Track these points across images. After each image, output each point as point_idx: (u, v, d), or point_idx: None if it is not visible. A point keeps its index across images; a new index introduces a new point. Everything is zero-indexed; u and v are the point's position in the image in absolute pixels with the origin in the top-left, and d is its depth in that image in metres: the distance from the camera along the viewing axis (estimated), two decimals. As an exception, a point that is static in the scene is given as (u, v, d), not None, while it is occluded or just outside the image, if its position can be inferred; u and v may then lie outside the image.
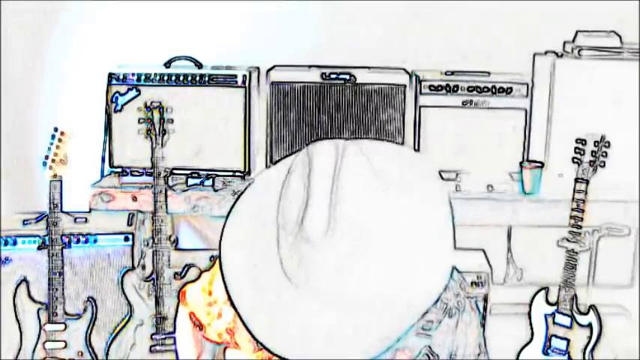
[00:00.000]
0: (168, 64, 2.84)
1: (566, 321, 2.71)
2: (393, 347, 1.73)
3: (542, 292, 2.75)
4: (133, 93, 2.80)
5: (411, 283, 1.69)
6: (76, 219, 2.78)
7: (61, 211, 2.73)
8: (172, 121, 2.78)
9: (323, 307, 1.69)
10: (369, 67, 2.83)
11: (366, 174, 1.71)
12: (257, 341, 1.72)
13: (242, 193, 1.85)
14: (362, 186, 1.70)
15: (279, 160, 1.86)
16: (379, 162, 1.75)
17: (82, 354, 2.76)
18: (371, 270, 1.68)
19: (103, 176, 2.87)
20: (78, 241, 2.76)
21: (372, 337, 1.69)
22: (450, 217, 1.75)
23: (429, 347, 1.79)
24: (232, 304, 1.75)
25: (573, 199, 2.69)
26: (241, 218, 1.81)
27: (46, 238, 2.73)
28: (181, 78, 2.81)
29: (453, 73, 2.83)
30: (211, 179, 2.82)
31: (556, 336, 2.72)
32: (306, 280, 1.68)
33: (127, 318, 2.78)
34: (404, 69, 2.83)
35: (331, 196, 1.68)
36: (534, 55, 2.79)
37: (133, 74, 2.81)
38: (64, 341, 2.75)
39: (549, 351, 2.72)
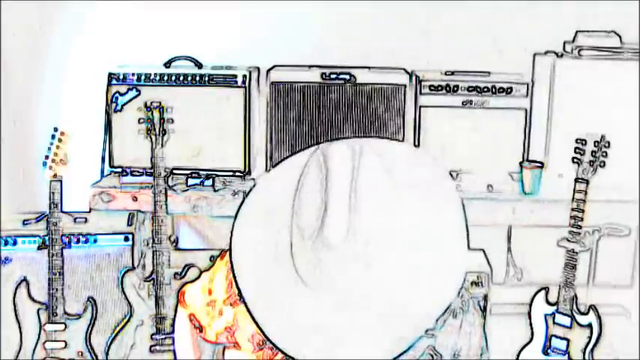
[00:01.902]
0: (168, 64, 2.84)
1: (566, 321, 2.71)
2: (411, 349, 1.73)
3: (542, 292, 2.75)
4: (133, 93, 2.80)
5: (428, 284, 1.69)
6: (76, 219, 2.78)
7: (61, 211, 2.73)
8: (172, 121, 2.78)
9: (341, 309, 1.69)
10: (369, 67, 2.83)
11: (380, 175, 1.71)
12: (271, 342, 1.72)
13: (248, 194, 1.85)
14: (378, 188, 1.69)
15: (280, 162, 1.86)
16: (389, 161, 1.75)
17: (82, 354, 2.76)
18: (389, 271, 1.68)
19: (103, 176, 2.87)
20: (78, 241, 2.76)
21: (390, 339, 1.69)
22: (463, 216, 1.75)
23: (433, 347, 1.79)
24: (245, 306, 1.75)
25: (573, 199, 2.69)
26: (250, 219, 1.81)
27: (46, 238, 2.73)
28: (181, 78, 2.81)
29: (453, 73, 2.83)
30: (211, 179, 2.82)
31: (556, 336, 2.72)
32: (323, 283, 1.68)
33: (127, 318, 2.78)
34: (404, 69, 2.83)
35: (350, 200, 1.68)
36: (534, 55, 2.79)
37: (133, 74, 2.81)
38: (64, 341, 2.75)
39: (549, 351, 2.72)
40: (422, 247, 1.70)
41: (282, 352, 1.72)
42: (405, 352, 1.70)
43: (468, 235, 1.75)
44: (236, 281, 1.77)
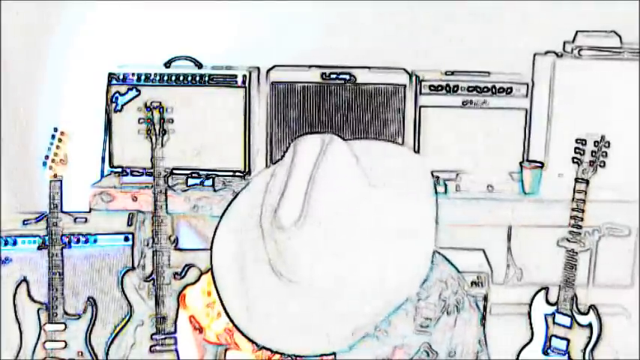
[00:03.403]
0: (168, 64, 2.84)
1: (566, 321, 2.71)
2: (369, 336, 1.74)
3: (542, 292, 2.75)
4: (133, 93, 2.80)
5: (388, 274, 1.70)
6: (76, 219, 2.78)
7: (61, 211, 2.73)
8: (172, 121, 2.78)
9: (299, 296, 1.70)
10: (369, 67, 2.83)
11: (347, 168, 1.72)
12: (240, 331, 1.74)
13: (236, 196, 1.86)
14: (341, 179, 1.70)
15: (278, 160, 1.87)
16: (367, 159, 1.76)
17: (82, 354, 2.76)
18: (345, 260, 1.68)
19: (103, 176, 2.87)
20: (78, 241, 2.76)
21: (349, 326, 1.70)
22: (432, 216, 1.76)
23: (428, 344, 1.79)
24: (220, 299, 1.76)
25: (573, 199, 2.69)
26: (232, 219, 1.83)
27: (46, 238, 2.73)
28: (181, 78, 2.81)
29: (453, 73, 2.83)
30: (211, 179, 2.82)
31: (556, 336, 2.72)
32: (283, 268, 1.69)
33: (127, 318, 2.78)
34: (404, 69, 2.83)
35: (308, 186, 1.68)
36: (534, 55, 2.79)
37: (133, 74, 2.81)
38: (64, 341, 2.75)
39: (549, 351, 2.72)
40: (383, 238, 1.71)
41: (247, 338, 1.73)
42: (364, 337, 1.72)
43: (437, 227, 1.76)
44: (213, 277, 1.78)
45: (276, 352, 1.75)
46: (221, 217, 1.84)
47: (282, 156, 1.85)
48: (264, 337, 1.72)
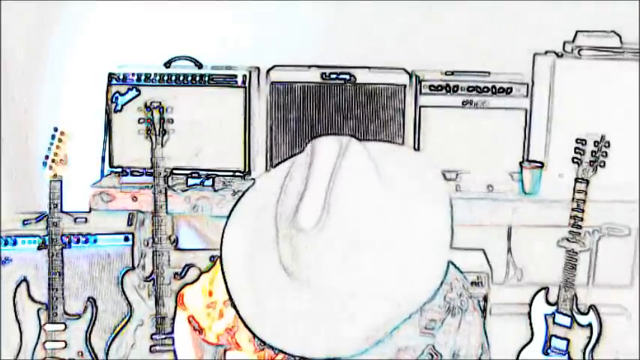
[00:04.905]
0: (168, 64, 2.84)
1: (566, 321, 2.71)
2: (384, 341, 1.73)
3: (542, 292, 2.75)
4: (133, 93, 2.80)
5: (404, 280, 1.70)
6: (76, 219, 2.78)
7: (61, 211, 2.73)
8: (172, 121, 2.78)
9: (314, 298, 1.70)
10: (369, 67, 2.83)
11: (366, 171, 1.71)
12: (251, 332, 1.73)
13: (243, 195, 1.86)
14: (360, 182, 1.70)
15: (280, 162, 1.87)
16: (383, 162, 1.76)
17: (82, 354, 2.76)
18: (363, 264, 1.68)
19: (103, 176, 2.87)
20: (78, 241, 2.76)
21: (362, 330, 1.70)
22: (448, 218, 1.75)
23: (433, 346, 1.79)
24: (230, 298, 1.76)
25: (573, 199, 2.69)
26: (242, 218, 1.82)
27: (46, 238, 2.73)
28: (181, 78, 2.81)
29: (453, 73, 2.83)
30: (211, 179, 2.82)
31: (556, 336, 2.72)
32: (299, 271, 1.69)
33: (127, 318, 2.78)
34: (404, 69, 2.83)
35: (328, 188, 1.68)
36: (534, 55, 2.79)
37: (133, 74, 2.81)
38: (64, 341, 2.75)
39: (549, 351, 2.73)
40: (400, 242, 1.71)
41: (258, 339, 1.73)
42: (379, 342, 1.72)
43: (452, 235, 1.76)
44: (225, 277, 1.78)
45: (283, 352, 1.75)
46: (228, 217, 1.84)
47: (286, 157, 1.85)
48: (274, 337, 1.72)
